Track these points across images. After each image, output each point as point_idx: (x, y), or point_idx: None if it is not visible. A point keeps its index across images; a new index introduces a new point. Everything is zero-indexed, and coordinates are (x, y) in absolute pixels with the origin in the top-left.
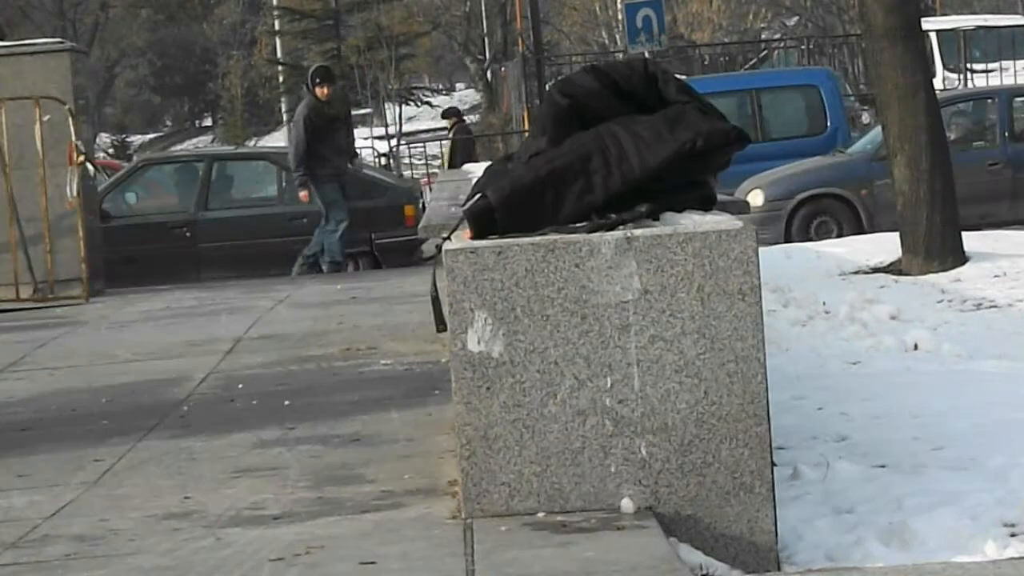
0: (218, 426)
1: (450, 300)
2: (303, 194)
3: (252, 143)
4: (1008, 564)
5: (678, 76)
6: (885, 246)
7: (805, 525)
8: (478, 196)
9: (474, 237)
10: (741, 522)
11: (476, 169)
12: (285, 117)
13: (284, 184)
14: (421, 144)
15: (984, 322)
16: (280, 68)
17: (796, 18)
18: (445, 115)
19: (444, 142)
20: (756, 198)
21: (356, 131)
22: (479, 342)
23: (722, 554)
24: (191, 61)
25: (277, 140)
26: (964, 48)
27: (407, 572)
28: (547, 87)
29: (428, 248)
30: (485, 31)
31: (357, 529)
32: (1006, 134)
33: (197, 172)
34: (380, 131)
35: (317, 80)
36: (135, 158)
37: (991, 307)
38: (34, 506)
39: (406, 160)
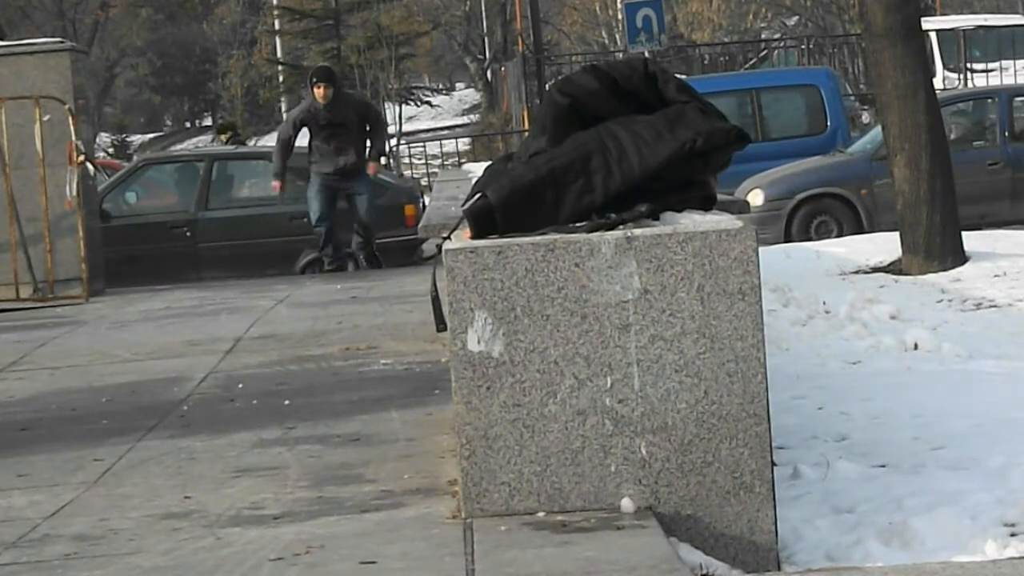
0: (218, 426)
1: (450, 300)
2: (273, 184)
3: (252, 143)
4: (1008, 564)
5: (678, 76)
6: (885, 246)
7: (805, 525)
8: (478, 196)
9: (474, 237)
10: (741, 522)
11: (476, 168)
12: (285, 117)
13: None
14: (421, 144)
15: (984, 322)
16: (280, 68)
17: (796, 18)
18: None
19: (445, 142)
20: (756, 198)
21: None
22: (479, 342)
23: (722, 554)
24: (191, 61)
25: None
26: (964, 48)
27: (407, 572)
28: (547, 87)
29: (428, 248)
30: (485, 31)
31: (357, 529)
32: (1006, 134)
33: (197, 172)
34: None
35: (314, 80)
36: (135, 158)
37: (991, 307)
38: (34, 506)
39: (406, 160)
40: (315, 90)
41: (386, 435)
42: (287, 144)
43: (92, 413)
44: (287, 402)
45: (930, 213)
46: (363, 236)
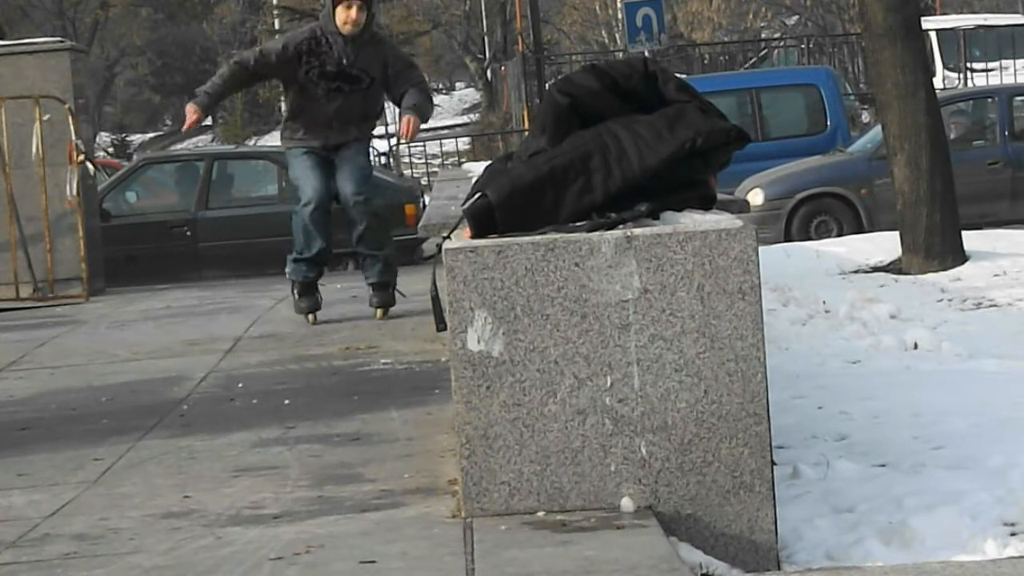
0: (218, 425)
1: (450, 299)
2: (188, 107)
3: (252, 143)
4: (1008, 563)
5: (678, 75)
6: (885, 245)
7: (805, 524)
8: (478, 195)
9: (474, 236)
10: (741, 521)
11: (476, 168)
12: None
13: (284, 184)
14: (421, 144)
15: (984, 321)
16: None
17: (796, 17)
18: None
19: (445, 142)
20: (756, 197)
21: None
22: (479, 341)
23: (722, 553)
24: (191, 60)
25: (277, 140)
26: (964, 47)
27: (407, 571)
28: (547, 86)
29: (428, 247)
30: (485, 30)
31: (357, 528)
32: (1006, 133)
33: (197, 171)
34: (380, 131)
35: None
36: (135, 157)
37: (991, 306)
38: (34, 505)
39: (406, 160)
40: (340, 11)
41: (386, 435)
42: (241, 74)
43: (92, 413)
44: (287, 402)
45: (930, 213)
46: (369, 240)
